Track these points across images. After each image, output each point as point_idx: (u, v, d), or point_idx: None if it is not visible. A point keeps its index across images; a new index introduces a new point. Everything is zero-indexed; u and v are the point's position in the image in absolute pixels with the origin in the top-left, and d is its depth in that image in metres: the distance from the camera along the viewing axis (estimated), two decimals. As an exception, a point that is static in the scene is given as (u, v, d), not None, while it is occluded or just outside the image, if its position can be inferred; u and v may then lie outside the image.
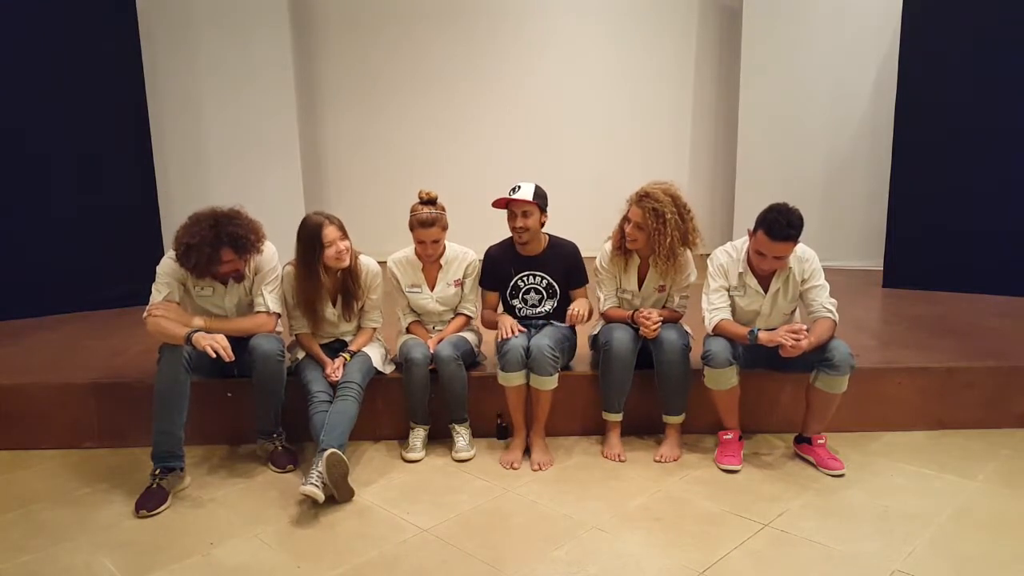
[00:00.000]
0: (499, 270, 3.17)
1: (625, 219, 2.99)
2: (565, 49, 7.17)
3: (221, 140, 6.22)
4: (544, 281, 3.14)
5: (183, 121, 6.08)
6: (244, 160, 6.20)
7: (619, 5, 7.19)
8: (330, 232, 2.87)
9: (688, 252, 3.01)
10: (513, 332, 2.95)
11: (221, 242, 2.72)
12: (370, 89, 7.12)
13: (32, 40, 4.60)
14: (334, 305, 3.05)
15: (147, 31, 5.30)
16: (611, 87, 7.26)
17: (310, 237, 2.88)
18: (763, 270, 2.88)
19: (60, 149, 4.74)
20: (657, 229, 2.87)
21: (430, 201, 3.06)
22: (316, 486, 2.51)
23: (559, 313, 3.17)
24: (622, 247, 3.03)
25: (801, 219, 2.72)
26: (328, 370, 2.93)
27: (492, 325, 3.13)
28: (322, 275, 2.93)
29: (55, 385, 3.22)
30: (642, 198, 2.91)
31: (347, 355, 2.99)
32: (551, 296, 3.16)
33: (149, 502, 2.59)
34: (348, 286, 3.01)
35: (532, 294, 3.16)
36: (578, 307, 2.98)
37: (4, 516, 2.60)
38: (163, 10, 5.86)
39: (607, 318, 3.12)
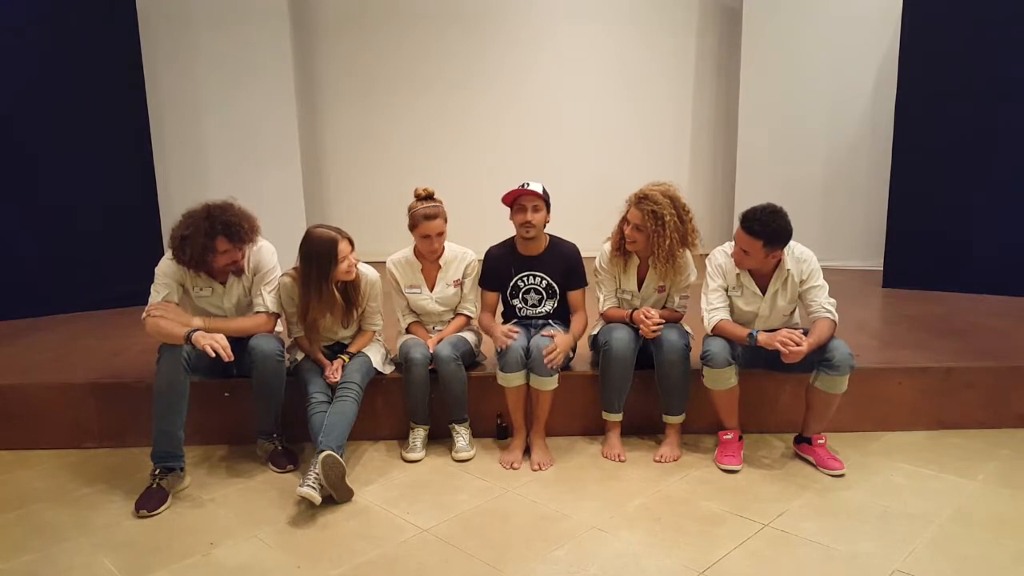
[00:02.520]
0: (500, 269, 3.16)
1: (624, 220, 2.99)
2: (565, 49, 7.17)
3: (221, 140, 6.21)
4: (544, 282, 3.14)
5: (183, 121, 6.08)
6: (244, 160, 6.20)
7: (619, 5, 7.19)
8: (344, 247, 2.85)
9: (688, 253, 3.01)
10: (510, 337, 2.94)
11: (215, 231, 2.74)
12: (370, 89, 7.12)
13: (32, 40, 4.60)
14: (332, 314, 3.02)
15: (147, 31, 5.30)
16: (611, 87, 7.25)
17: (326, 253, 2.81)
18: (738, 265, 2.89)
19: (60, 149, 4.74)
20: (656, 231, 2.87)
21: (428, 196, 3.07)
22: (313, 488, 2.51)
23: (558, 314, 3.17)
24: (621, 248, 3.03)
25: (777, 227, 2.73)
26: (327, 372, 2.93)
27: (490, 331, 3.13)
28: (335, 293, 2.89)
29: (55, 385, 3.22)
30: (641, 200, 2.91)
31: (345, 357, 2.99)
32: (551, 297, 3.16)
33: (149, 502, 2.59)
34: (348, 295, 2.99)
35: (532, 294, 3.16)
36: (558, 346, 2.88)
37: (4, 516, 2.60)
38: (163, 10, 5.86)
39: (607, 318, 3.11)
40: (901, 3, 5.08)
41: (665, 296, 3.11)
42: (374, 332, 3.17)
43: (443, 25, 7.06)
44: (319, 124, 7.14)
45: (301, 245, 2.87)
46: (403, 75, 7.10)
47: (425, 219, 3.02)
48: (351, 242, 2.90)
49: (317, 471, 2.53)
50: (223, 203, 2.82)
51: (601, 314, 3.15)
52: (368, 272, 3.07)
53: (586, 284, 3.19)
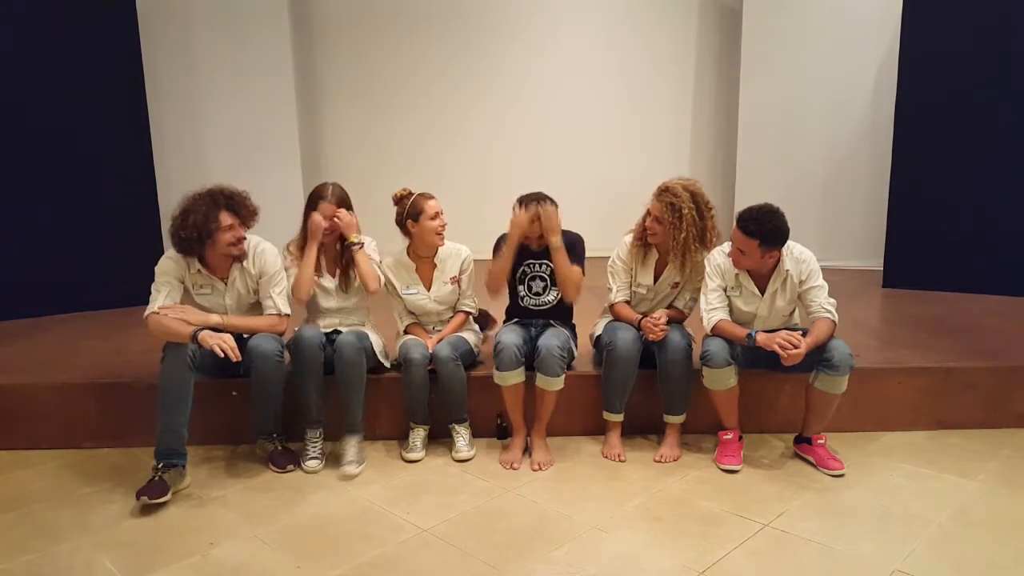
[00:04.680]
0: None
1: (648, 212, 3.00)
2: (565, 49, 7.16)
3: (221, 140, 6.21)
4: (548, 269, 3.13)
5: (183, 121, 6.08)
6: (244, 160, 6.20)
7: (619, 5, 7.19)
8: (327, 208, 3.01)
9: (706, 253, 3.00)
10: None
11: (218, 205, 2.81)
12: (370, 89, 7.12)
13: (32, 40, 4.60)
14: (332, 276, 3.10)
15: (147, 30, 5.30)
16: (611, 87, 7.25)
17: (311, 196, 3.07)
18: (736, 266, 2.89)
19: (60, 149, 4.74)
20: (672, 223, 2.88)
21: (409, 194, 3.13)
22: (353, 463, 2.84)
23: (560, 313, 3.15)
24: (643, 239, 3.04)
25: (773, 227, 2.73)
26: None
27: (498, 273, 3.09)
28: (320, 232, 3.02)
29: (55, 385, 3.22)
30: (662, 192, 2.94)
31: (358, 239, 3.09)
32: (555, 285, 3.14)
33: (151, 491, 2.58)
34: (349, 258, 3.08)
35: (537, 281, 3.15)
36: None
37: (4, 516, 2.60)
38: (163, 10, 5.85)
39: (615, 314, 3.11)
40: (901, 3, 5.08)
41: (676, 293, 3.11)
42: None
43: (443, 25, 7.05)
44: (319, 124, 7.14)
45: None
46: (403, 75, 7.09)
47: (426, 199, 3.09)
48: (342, 202, 3.04)
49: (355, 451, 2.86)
50: (223, 185, 2.93)
51: (609, 306, 3.15)
52: (371, 241, 3.18)
53: (583, 263, 3.11)
